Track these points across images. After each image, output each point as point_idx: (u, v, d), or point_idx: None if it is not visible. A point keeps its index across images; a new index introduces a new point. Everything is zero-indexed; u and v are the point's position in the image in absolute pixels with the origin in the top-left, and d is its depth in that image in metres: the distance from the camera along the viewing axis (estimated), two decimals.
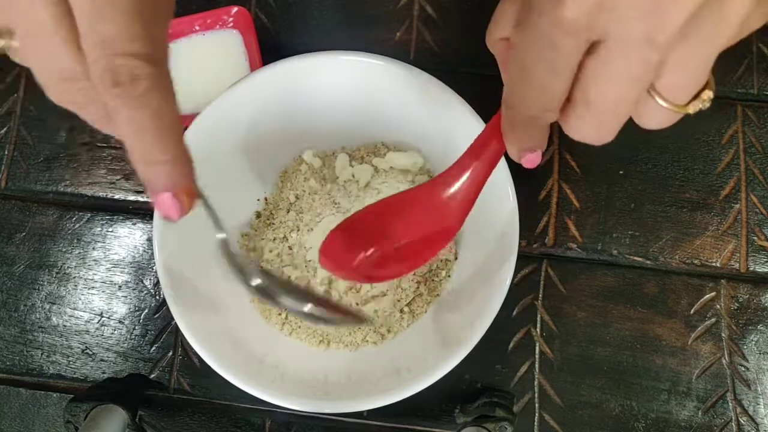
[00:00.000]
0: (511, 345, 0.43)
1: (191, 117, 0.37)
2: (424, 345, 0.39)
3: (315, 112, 0.41)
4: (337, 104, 0.41)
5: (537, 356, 0.43)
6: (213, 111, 0.37)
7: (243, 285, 0.31)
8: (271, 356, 0.38)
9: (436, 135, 0.40)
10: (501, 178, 0.36)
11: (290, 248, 0.41)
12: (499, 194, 0.37)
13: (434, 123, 0.40)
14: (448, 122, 0.39)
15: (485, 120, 0.37)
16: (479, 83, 0.47)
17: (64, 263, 0.45)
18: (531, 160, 0.26)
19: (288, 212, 0.42)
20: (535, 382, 0.43)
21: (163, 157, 0.22)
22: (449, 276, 0.41)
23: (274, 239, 0.42)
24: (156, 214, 0.36)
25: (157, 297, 0.44)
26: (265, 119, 0.40)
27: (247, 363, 0.37)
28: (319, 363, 0.39)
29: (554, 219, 0.45)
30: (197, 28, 0.45)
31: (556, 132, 0.45)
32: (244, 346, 0.38)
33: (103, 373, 0.44)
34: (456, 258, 0.41)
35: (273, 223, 0.42)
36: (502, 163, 0.36)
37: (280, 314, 0.41)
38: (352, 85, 0.39)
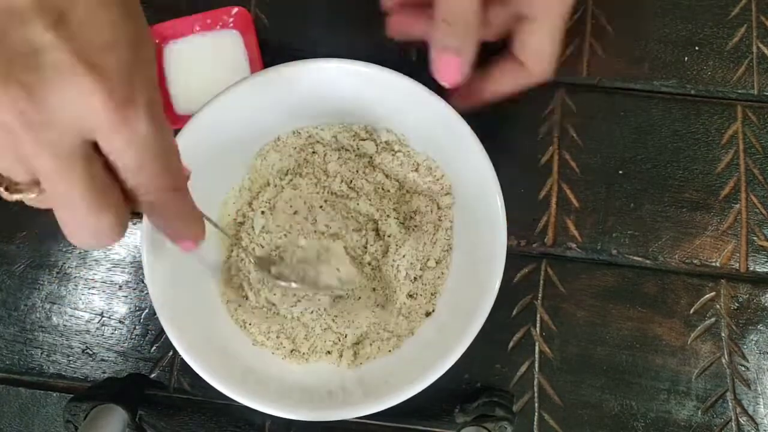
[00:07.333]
0: (511, 344, 0.43)
1: (189, 118, 0.37)
2: (422, 347, 0.39)
3: (313, 117, 0.41)
4: (335, 109, 0.41)
5: (537, 356, 0.43)
6: (210, 112, 0.37)
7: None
8: (266, 366, 0.39)
9: (436, 136, 0.40)
10: (486, 178, 0.37)
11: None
12: (488, 205, 0.37)
13: (434, 129, 0.40)
14: (446, 126, 0.38)
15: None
16: None
17: (64, 263, 0.45)
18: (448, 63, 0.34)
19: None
20: (535, 382, 0.43)
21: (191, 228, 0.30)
22: (442, 279, 0.41)
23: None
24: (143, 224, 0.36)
25: None
26: (264, 120, 0.40)
27: (242, 374, 0.37)
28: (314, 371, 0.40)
29: (554, 219, 0.45)
30: (197, 28, 0.45)
31: (557, 132, 0.45)
32: (235, 356, 0.38)
33: (104, 372, 0.44)
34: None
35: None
36: (490, 172, 0.37)
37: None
38: (349, 92, 0.39)
